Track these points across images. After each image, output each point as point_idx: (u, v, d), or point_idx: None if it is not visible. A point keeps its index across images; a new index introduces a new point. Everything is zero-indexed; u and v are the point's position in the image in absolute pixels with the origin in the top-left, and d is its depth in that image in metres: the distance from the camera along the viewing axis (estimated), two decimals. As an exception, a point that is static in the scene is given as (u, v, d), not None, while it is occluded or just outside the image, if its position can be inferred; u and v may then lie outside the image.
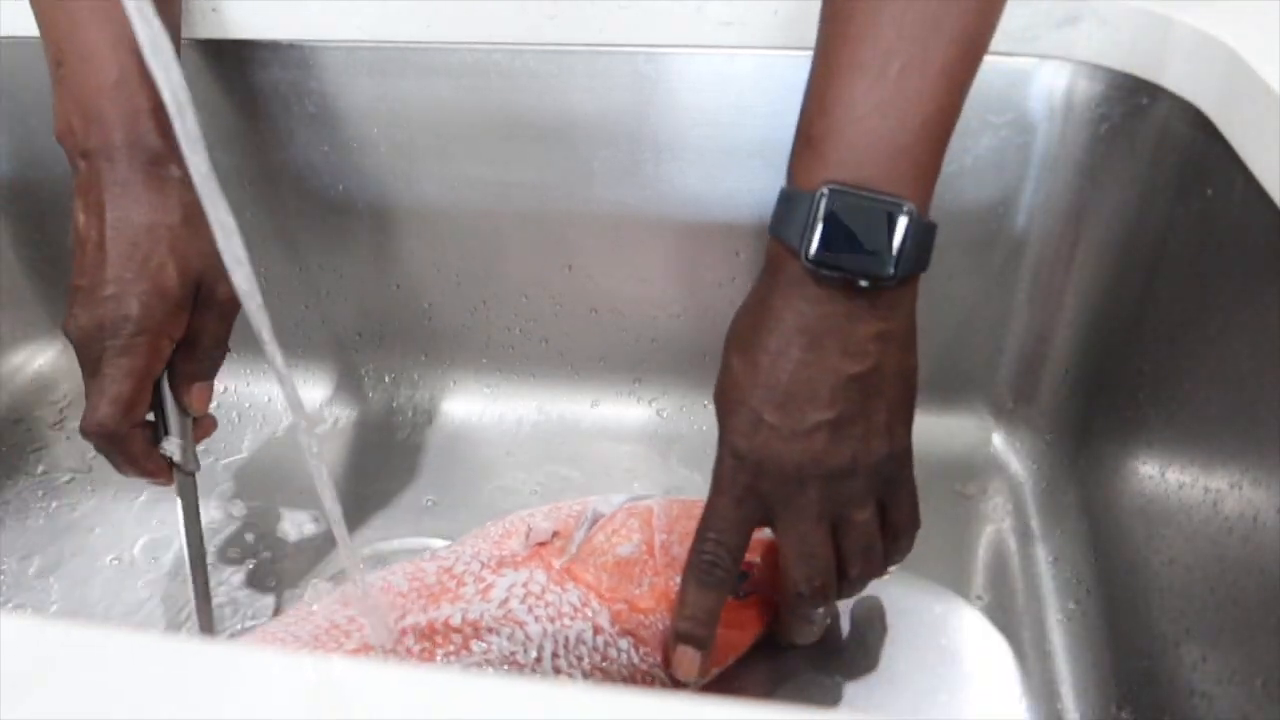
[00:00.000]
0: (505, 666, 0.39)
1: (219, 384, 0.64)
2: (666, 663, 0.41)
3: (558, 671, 0.40)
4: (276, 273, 0.59)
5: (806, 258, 0.35)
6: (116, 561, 0.52)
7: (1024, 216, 0.51)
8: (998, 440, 0.57)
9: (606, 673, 0.41)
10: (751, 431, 0.37)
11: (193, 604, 0.45)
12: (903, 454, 0.39)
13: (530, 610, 0.41)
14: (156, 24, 0.22)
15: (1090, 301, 0.51)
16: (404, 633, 0.39)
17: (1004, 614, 0.48)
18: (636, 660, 0.41)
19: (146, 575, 0.51)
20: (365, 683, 0.20)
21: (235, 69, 0.52)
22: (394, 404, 0.62)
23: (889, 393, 0.37)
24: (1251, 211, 0.38)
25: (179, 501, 0.45)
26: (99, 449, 0.43)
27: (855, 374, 0.36)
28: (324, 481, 0.36)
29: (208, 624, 0.45)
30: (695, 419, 0.60)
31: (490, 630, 0.40)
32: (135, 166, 0.42)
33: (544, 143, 0.52)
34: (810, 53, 0.47)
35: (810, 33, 0.46)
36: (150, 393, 0.43)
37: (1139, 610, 0.43)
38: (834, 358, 0.36)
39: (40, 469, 0.58)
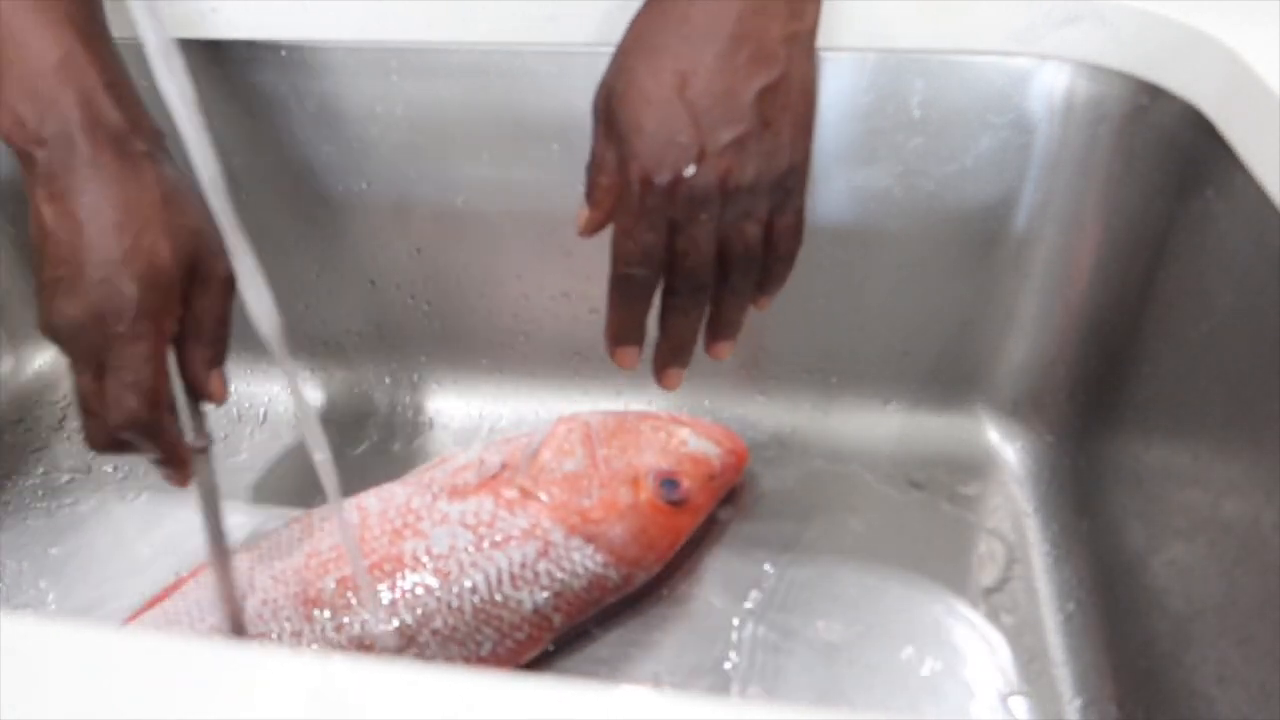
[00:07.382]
0: (467, 597, 0.44)
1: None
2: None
3: (516, 591, 0.44)
4: (276, 273, 0.59)
5: None
6: (116, 561, 0.52)
7: (1024, 216, 0.51)
8: (997, 440, 0.57)
9: (565, 586, 0.45)
10: (662, 153, 0.35)
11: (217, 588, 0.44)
12: (802, 166, 0.37)
13: (480, 539, 0.45)
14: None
15: (1090, 301, 0.51)
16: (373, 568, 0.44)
17: (1004, 614, 0.48)
18: (593, 565, 0.45)
19: (147, 575, 0.51)
20: (365, 683, 0.20)
21: (235, 69, 0.52)
22: (394, 405, 0.62)
23: (794, 104, 0.36)
24: (1251, 211, 0.38)
25: (195, 482, 0.44)
26: (127, 441, 0.40)
27: (767, 85, 0.35)
28: (328, 478, 0.37)
29: (235, 614, 0.44)
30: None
31: (444, 557, 0.44)
32: (101, 147, 0.39)
33: (544, 143, 0.52)
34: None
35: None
36: (167, 376, 0.41)
37: (1139, 610, 0.43)
38: (747, 65, 0.35)
39: (40, 469, 0.58)
